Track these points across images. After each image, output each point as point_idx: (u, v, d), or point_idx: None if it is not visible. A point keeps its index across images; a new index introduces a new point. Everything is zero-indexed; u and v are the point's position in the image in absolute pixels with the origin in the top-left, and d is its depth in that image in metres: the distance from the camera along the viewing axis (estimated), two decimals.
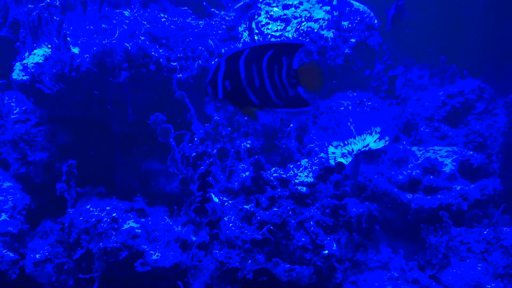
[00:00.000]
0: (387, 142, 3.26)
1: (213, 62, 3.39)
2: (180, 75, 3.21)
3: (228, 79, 1.42)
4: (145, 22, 3.08)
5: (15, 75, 3.13)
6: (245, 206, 2.93)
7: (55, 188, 3.10)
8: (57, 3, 2.88)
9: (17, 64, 3.19)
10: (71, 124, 3.37)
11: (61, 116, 3.34)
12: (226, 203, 3.00)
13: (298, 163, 3.22)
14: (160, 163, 3.54)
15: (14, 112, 3.50)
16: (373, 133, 3.31)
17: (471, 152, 3.66)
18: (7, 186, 3.49)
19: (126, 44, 2.99)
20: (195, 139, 3.18)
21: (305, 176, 3.03)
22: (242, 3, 3.74)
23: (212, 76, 1.44)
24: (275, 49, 1.40)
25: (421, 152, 3.67)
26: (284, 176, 3.01)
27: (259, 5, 3.77)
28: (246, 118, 3.67)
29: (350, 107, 3.63)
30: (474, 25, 5.16)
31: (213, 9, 3.76)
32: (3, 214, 3.33)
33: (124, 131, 3.34)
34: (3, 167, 3.60)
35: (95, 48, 2.98)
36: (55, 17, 3.13)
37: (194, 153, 2.90)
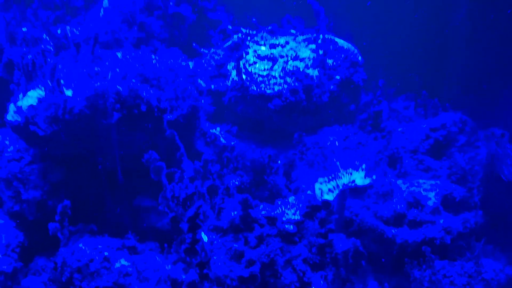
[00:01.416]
0: (371, 178, 3.35)
1: (202, 101, 3.49)
2: (171, 115, 3.30)
3: None
4: (136, 64, 3.18)
5: (9, 117, 3.20)
6: (234, 245, 3.00)
7: (48, 226, 3.17)
8: (51, 48, 2.97)
9: (11, 105, 3.26)
10: (64, 162, 3.44)
11: (54, 154, 3.41)
12: (215, 241, 3.07)
13: (286, 200, 3.30)
14: (151, 199, 3.62)
15: (8, 150, 3.57)
16: (359, 169, 3.41)
17: (454, 186, 3.77)
18: (1, 223, 3.55)
19: (118, 86, 3.08)
20: (185, 177, 3.26)
21: (292, 214, 3.12)
22: (231, 42, 3.85)
23: None
24: None
25: (405, 185, 3.77)
26: (272, 214, 3.09)
27: (247, 43, 3.88)
28: (235, 154, 3.77)
29: (336, 143, 3.73)
30: (456, 58, 5.30)
31: (202, 49, 3.87)
32: None
33: (116, 169, 3.42)
34: None
35: (88, 91, 3.07)
36: (48, 59, 3.22)
37: (184, 195, 2.97)
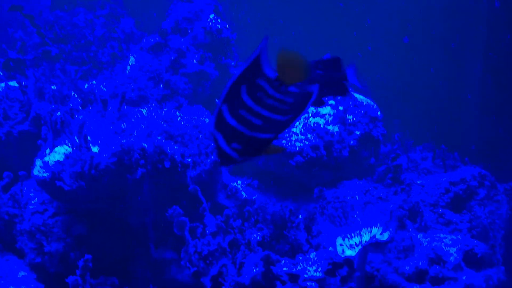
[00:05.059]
0: (391, 233, 3.36)
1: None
2: (194, 170, 3.36)
3: (231, 141, 1.27)
4: (161, 121, 3.26)
5: (36, 172, 3.28)
6: None
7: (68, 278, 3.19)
8: (80, 107, 3.07)
9: (38, 160, 3.35)
10: (87, 216, 3.50)
11: (78, 208, 3.47)
12: None
13: (307, 255, 3.31)
14: (172, 251, 3.64)
15: (32, 202, 3.64)
16: (379, 225, 3.41)
17: (475, 241, 3.75)
18: (22, 275, 3.58)
19: (143, 143, 3.15)
20: (207, 232, 3.29)
21: (314, 270, 3.13)
22: None
23: (218, 150, 1.30)
24: (245, 82, 1.24)
25: (426, 240, 3.76)
26: (294, 270, 3.10)
27: None
28: (255, 206, 3.80)
29: (356, 197, 3.75)
30: (472, 112, 5.37)
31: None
32: None
33: (139, 223, 3.46)
34: (18, 256, 3.70)
35: (114, 148, 3.15)
36: (76, 116, 3.32)
37: (207, 251, 3.00)
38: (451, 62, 5.71)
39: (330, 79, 1.36)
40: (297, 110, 1.26)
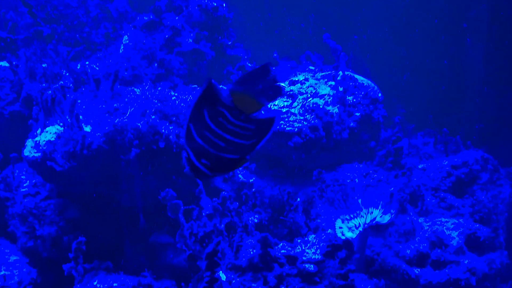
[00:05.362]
0: (392, 216, 3.27)
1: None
2: None
3: (200, 157, 1.32)
4: (156, 100, 3.16)
5: (26, 152, 3.19)
6: (252, 284, 2.93)
7: (62, 263, 3.10)
8: (71, 85, 2.97)
9: (29, 140, 3.25)
10: (81, 198, 3.41)
11: (70, 191, 3.38)
12: (233, 281, 2.99)
13: (306, 238, 3.22)
14: (167, 236, 3.56)
15: (24, 185, 3.55)
16: (379, 207, 3.33)
17: (477, 225, 3.67)
18: (14, 259, 3.49)
19: (137, 123, 3.06)
20: (203, 214, 3.20)
21: (312, 253, 3.04)
22: None
23: (190, 164, 1.35)
24: (207, 106, 1.30)
25: (428, 224, 3.68)
26: (292, 253, 3.01)
27: None
28: (253, 190, 3.71)
29: (356, 180, 3.66)
30: (474, 95, 5.27)
31: (221, 86, 3.86)
32: None
33: (133, 205, 3.37)
34: (10, 240, 3.61)
35: (107, 127, 3.05)
36: (68, 95, 3.22)
37: (202, 233, 2.91)
38: (453, 43, 5.61)
39: (265, 85, 1.39)
40: (260, 135, 1.32)
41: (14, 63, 3.60)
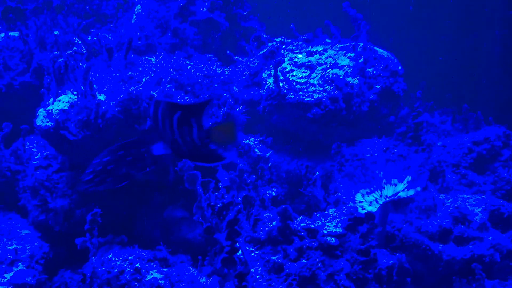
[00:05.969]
0: (418, 190, 3.17)
1: (237, 109, 3.35)
2: None
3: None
4: (171, 69, 3.06)
5: (38, 122, 3.10)
6: (272, 257, 2.85)
7: (74, 237, 3.01)
8: (84, 50, 2.86)
9: (41, 110, 3.15)
10: None
11: (83, 163, 3.28)
12: (252, 254, 2.91)
13: (325, 212, 3.13)
14: (182, 210, 3.46)
15: (35, 157, 3.46)
16: (404, 181, 3.22)
17: (501, 201, 3.56)
18: (25, 233, 3.41)
19: (152, 92, 2.96)
20: (220, 187, 3.11)
21: (333, 226, 2.95)
22: (266, 50, 3.73)
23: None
24: (182, 111, 1.42)
25: (449, 201, 3.57)
26: (312, 226, 2.92)
27: (282, 51, 3.75)
28: (269, 164, 3.61)
29: (376, 154, 3.56)
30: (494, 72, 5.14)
31: (236, 57, 3.75)
32: (20, 263, 3.24)
33: (147, 178, 3.28)
34: (21, 214, 3.53)
35: (121, 96, 2.95)
36: (81, 64, 3.12)
37: (221, 204, 2.82)
38: (469, 22, 5.48)
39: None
40: (203, 159, 1.49)
41: (24, 32, 3.49)
